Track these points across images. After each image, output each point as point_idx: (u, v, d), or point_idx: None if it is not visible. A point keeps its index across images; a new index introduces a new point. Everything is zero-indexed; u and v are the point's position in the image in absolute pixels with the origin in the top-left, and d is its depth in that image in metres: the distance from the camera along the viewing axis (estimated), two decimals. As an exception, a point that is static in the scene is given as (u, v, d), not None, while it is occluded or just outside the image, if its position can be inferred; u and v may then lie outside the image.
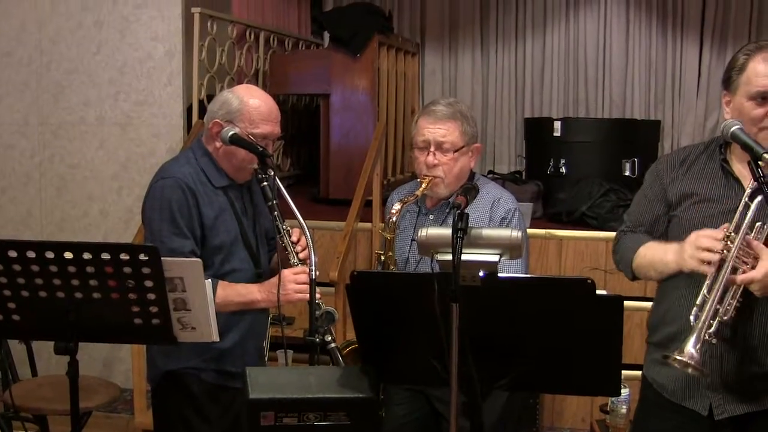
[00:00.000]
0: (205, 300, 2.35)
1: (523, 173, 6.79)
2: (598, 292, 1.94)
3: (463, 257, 1.88)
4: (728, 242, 2.19)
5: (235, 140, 2.69)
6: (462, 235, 1.89)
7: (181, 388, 2.81)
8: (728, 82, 2.41)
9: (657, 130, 6.90)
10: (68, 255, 2.23)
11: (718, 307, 2.18)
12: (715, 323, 2.17)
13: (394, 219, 2.85)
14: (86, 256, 2.23)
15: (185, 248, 2.65)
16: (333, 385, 2.11)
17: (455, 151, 2.84)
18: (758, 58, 2.32)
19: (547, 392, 4.40)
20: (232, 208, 2.80)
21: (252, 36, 6.26)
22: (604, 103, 7.65)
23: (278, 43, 6.76)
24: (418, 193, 2.85)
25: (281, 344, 2.81)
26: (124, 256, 2.24)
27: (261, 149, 2.68)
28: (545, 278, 2.58)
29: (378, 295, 2.10)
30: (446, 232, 1.93)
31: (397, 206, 2.85)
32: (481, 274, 1.92)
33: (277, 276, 2.66)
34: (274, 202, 2.69)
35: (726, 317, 2.19)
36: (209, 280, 2.39)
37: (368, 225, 5.10)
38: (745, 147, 2.23)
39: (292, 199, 2.70)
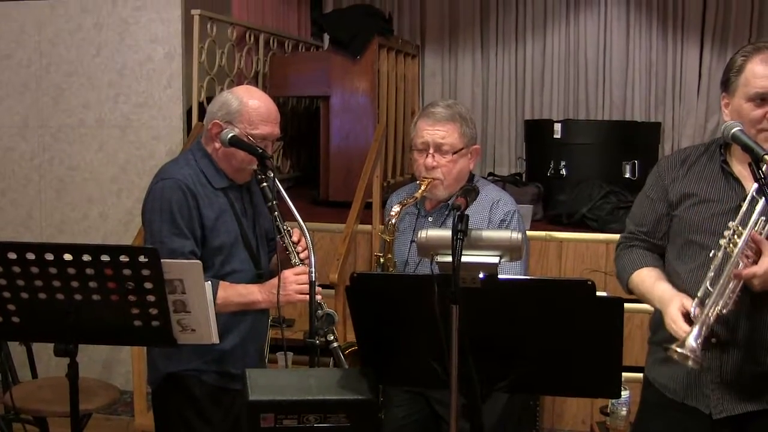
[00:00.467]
0: (205, 302, 2.35)
1: (524, 175, 6.79)
2: (598, 293, 1.94)
3: (463, 259, 1.88)
4: (735, 236, 2.20)
5: (235, 142, 2.69)
6: (462, 237, 1.89)
7: (182, 391, 2.81)
8: (726, 84, 2.41)
9: (657, 132, 6.90)
10: (68, 257, 2.23)
11: (719, 300, 2.18)
12: (713, 315, 2.17)
13: (394, 221, 2.85)
14: (86, 257, 2.23)
15: (185, 249, 2.64)
16: (333, 387, 2.11)
17: (454, 153, 2.84)
18: (756, 60, 2.32)
19: (547, 394, 4.39)
20: (232, 209, 2.79)
21: (252, 38, 6.26)
22: (605, 105, 7.65)
23: (278, 45, 6.76)
24: (418, 195, 2.84)
25: (281, 346, 2.81)
26: (123, 258, 2.24)
27: (260, 151, 2.67)
28: (545, 280, 2.59)
29: (378, 296, 2.10)
30: (446, 233, 1.93)
31: (396, 208, 2.85)
32: (481, 275, 1.92)
33: (278, 277, 2.66)
34: (274, 202, 2.68)
35: (725, 310, 2.19)
36: (209, 281, 2.39)
37: (368, 227, 5.10)
38: (746, 148, 2.23)
39: (292, 201, 2.70)
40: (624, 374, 2.13)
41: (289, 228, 2.73)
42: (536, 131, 6.63)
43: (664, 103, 7.56)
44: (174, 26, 5.26)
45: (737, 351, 2.37)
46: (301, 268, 2.69)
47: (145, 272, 2.25)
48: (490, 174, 7.13)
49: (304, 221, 2.66)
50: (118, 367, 5.35)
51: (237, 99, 2.75)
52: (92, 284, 2.27)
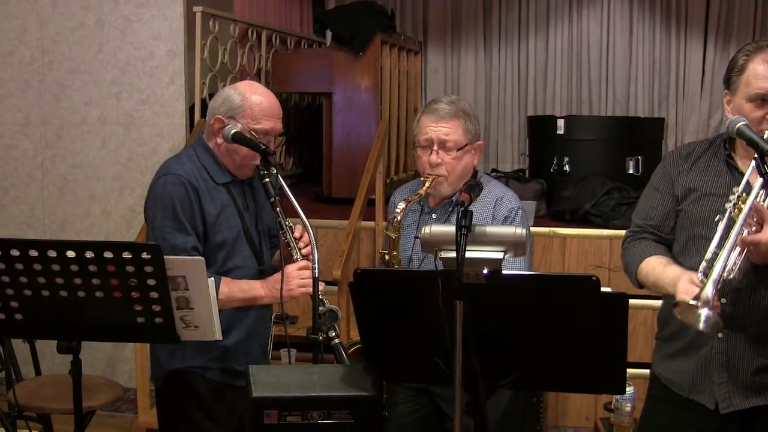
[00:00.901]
0: (208, 298, 2.35)
1: (527, 171, 6.78)
2: (602, 289, 1.93)
3: (467, 254, 1.87)
4: (740, 203, 2.20)
5: (238, 138, 2.68)
6: (466, 232, 1.88)
7: (185, 388, 2.81)
8: (728, 83, 2.41)
9: (661, 128, 6.88)
10: (71, 254, 2.23)
11: (725, 264, 2.15)
12: (720, 277, 2.14)
13: (399, 218, 2.84)
14: (89, 254, 2.23)
15: (188, 245, 2.64)
16: (336, 384, 2.11)
17: (459, 149, 2.83)
18: (757, 60, 2.32)
19: (551, 390, 4.38)
20: (234, 204, 2.79)
21: (254, 35, 6.25)
22: (608, 101, 7.64)
23: (280, 41, 6.75)
24: (422, 192, 2.84)
25: (284, 343, 2.80)
26: (126, 255, 2.24)
27: (263, 147, 2.67)
28: (549, 275, 2.58)
29: (381, 293, 2.09)
30: (450, 229, 1.92)
31: (401, 205, 2.84)
32: (485, 271, 1.91)
33: (281, 272, 2.66)
34: (276, 198, 2.68)
35: (731, 276, 2.17)
36: (212, 277, 2.39)
37: (371, 224, 5.10)
38: (751, 143, 2.22)
39: (294, 198, 2.69)
40: (628, 370, 2.12)
41: (291, 224, 2.72)
42: (539, 127, 6.62)
43: (667, 99, 7.55)
44: (176, 23, 5.26)
45: (745, 345, 2.36)
46: (303, 263, 2.68)
47: (148, 269, 2.25)
48: (493, 170, 7.12)
49: (307, 218, 2.66)
50: (122, 364, 5.35)
51: (239, 94, 2.75)
52: (95, 281, 2.27)
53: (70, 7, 5.35)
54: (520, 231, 1.94)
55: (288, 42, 6.87)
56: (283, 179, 2.72)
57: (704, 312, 2.08)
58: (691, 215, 2.45)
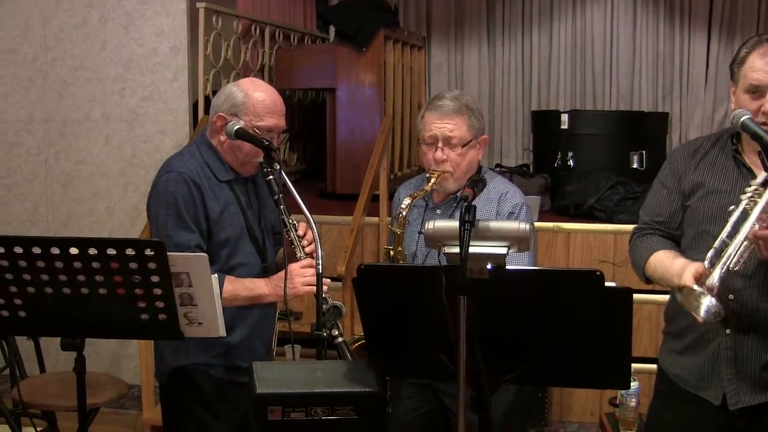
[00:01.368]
0: (212, 295, 2.34)
1: (531, 166, 6.78)
2: (606, 284, 1.92)
3: (471, 250, 1.86)
4: (756, 196, 2.18)
5: (241, 135, 2.67)
6: (469, 228, 1.87)
7: (190, 385, 2.80)
8: (732, 75, 2.42)
9: (665, 122, 6.87)
10: (74, 251, 2.22)
11: (734, 255, 2.13)
12: (727, 267, 2.13)
13: (404, 214, 2.84)
14: (92, 251, 2.22)
15: (191, 242, 2.63)
16: (340, 380, 2.10)
17: (464, 145, 2.83)
18: (757, 53, 2.33)
19: (555, 385, 4.39)
20: (237, 202, 2.78)
21: (257, 31, 6.25)
22: (612, 96, 7.63)
23: (284, 37, 6.75)
24: (428, 188, 2.83)
25: (289, 339, 2.80)
26: (129, 252, 2.23)
27: (267, 143, 2.66)
28: (553, 270, 2.58)
29: (385, 288, 2.08)
30: (453, 224, 1.91)
31: (407, 201, 2.83)
32: (488, 266, 1.90)
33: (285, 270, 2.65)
34: (280, 195, 2.67)
35: (737, 268, 2.15)
36: (216, 274, 2.39)
37: (375, 219, 5.10)
38: (755, 137, 2.22)
39: (298, 194, 2.68)
40: (633, 365, 2.11)
41: (294, 221, 2.71)
42: (543, 122, 6.61)
43: (671, 93, 7.54)
44: (179, 19, 5.25)
45: (753, 341, 2.36)
46: (307, 261, 2.67)
47: (152, 266, 2.25)
48: (497, 165, 7.12)
49: (310, 214, 2.65)
50: (126, 361, 5.36)
51: (242, 91, 2.74)
52: (99, 278, 2.27)
53: (73, 4, 5.35)
54: (524, 226, 1.93)
55: (291, 38, 6.87)
56: (286, 175, 2.71)
57: (707, 300, 2.07)
58: (698, 212, 2.44)
